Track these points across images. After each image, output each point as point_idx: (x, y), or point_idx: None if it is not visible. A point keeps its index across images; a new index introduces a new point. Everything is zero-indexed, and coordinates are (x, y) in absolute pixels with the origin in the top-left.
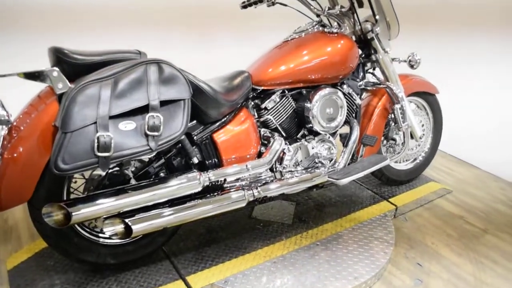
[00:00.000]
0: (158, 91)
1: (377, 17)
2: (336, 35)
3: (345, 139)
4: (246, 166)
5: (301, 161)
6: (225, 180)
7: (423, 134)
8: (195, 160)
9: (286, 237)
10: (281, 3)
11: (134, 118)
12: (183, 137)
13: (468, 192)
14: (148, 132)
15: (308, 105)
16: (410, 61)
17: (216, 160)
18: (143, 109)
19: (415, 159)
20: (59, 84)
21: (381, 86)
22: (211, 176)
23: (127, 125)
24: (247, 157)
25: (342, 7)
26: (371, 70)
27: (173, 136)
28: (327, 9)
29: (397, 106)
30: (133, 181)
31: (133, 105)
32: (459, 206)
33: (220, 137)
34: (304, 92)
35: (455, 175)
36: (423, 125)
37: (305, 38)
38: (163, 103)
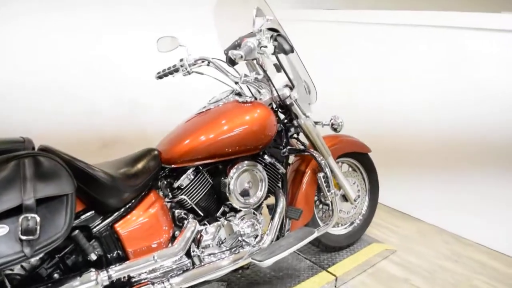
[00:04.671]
0: (34, 188)
1: (294, 82)
2: (250, 104)
3: (272, 210)
4: (153, 257)
5: (225, 239)
6: (129, 275)
7: (358, 196)
8: (93, 257)
9: None
10: (197, 72)
11: (6, 221)
12: (76, 232)
13: (413, 249)
14: (22, 237)
15: (224, 180)
16: (332, 124)
17: (120, 252)
18: (18, 210)
19: (352, 223)
20: None
21: (305, 153)
22: (112, 273)
23: None
24: (157, 246)
25: (257, 73)
26: (295, 136)
27: (53, 238)
28: (243, 76)
29: (320, 174)
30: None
31: (4, 207)
32: (404, 267)
33: (123, 226)
34: (221, 166)
35: (398, 231)
36: (357, 186)
37: (217, 109)
38: (41, 201)
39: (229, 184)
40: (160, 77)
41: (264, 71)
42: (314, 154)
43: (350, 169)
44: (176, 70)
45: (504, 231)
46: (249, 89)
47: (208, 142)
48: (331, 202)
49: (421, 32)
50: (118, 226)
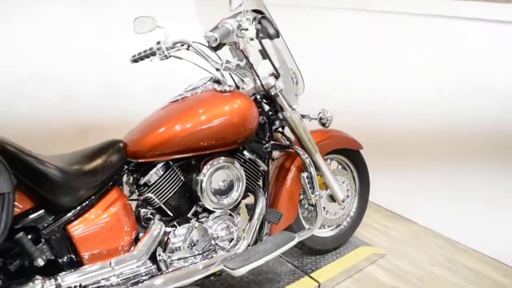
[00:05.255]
0: None
1: (279, 71)
2: (229, 93)
3: (250, 211)
4: (110, 263)
5: (197, 241)
6: (80, 285)
7: (347, 196)
8: (41, 262)
9: None
10: (176, 56)
11: None
12: (20, 234)
13: (404, 253)
14: None
15: (196, 177)
16: (320, 118)
17: (73, 257)
18: None
19: (339, 225)
20: None
21: (289, 150)
22: (61, 281)
23: None
24: (117, 250)
25: (239, 60)
26: (280, 130)
27: None
28: (225, 62)
29: (304, 174)
30: None
31: None
32: (393, 273)
33: (77, 228)
34: (194, 162)
35: (390, 233)
36: (347, 185)
37: (192, 98)
38: None
39: (201, 182)
40: (135, 61)
41: (246, 57)
42: (299, 152)
43: (340, 167)
44: (153, 54)
45: (502, 237)
46: (232, 77)
47: (181, 134)
48: (315, 204)
49: (419, 21)
50: (72, 227)
